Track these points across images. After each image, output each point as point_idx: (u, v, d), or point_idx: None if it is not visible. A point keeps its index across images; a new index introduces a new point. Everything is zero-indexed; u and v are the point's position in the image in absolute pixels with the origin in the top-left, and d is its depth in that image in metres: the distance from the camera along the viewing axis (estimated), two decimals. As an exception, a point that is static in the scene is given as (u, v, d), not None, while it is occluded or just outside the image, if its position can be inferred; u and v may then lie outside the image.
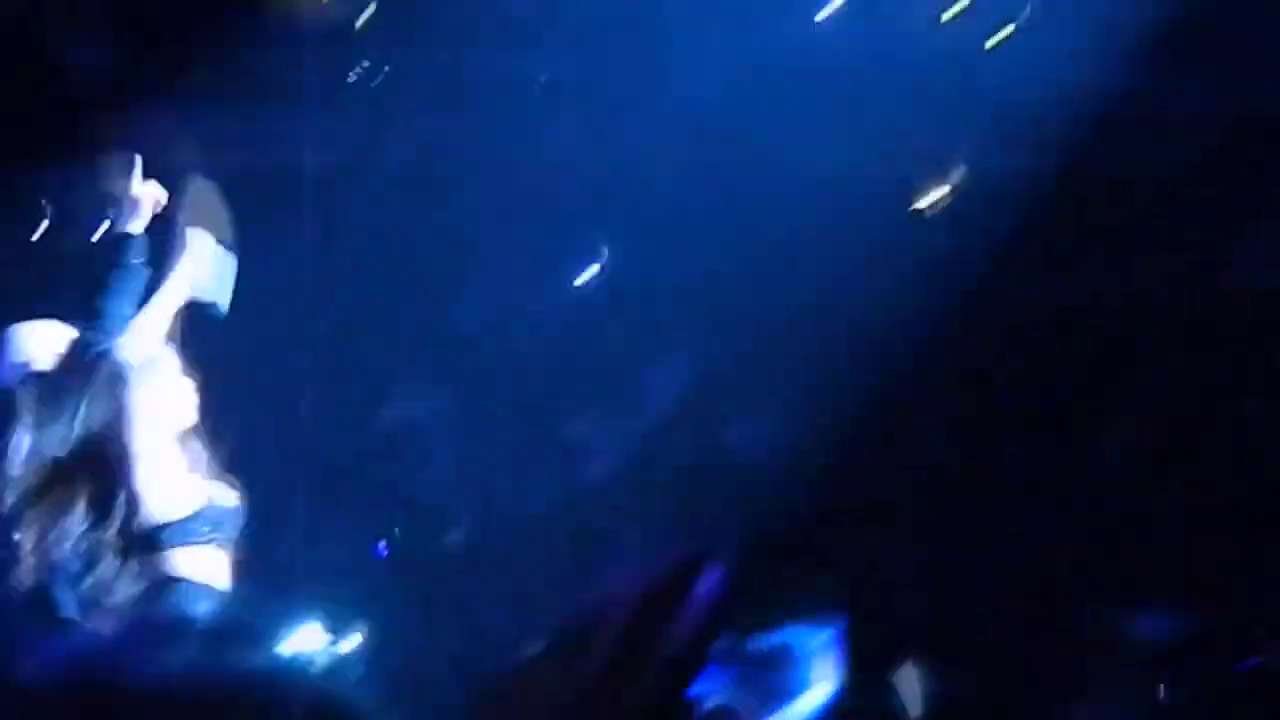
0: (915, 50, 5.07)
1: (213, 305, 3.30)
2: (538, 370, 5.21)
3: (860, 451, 4.99)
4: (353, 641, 4.74)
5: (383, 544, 5.12)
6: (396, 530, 5.24)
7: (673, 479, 5.07)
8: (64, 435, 2.82)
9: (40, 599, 2.75)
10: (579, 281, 5.20)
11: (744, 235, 5.01)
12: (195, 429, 3.07)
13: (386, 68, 5.12)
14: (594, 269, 5.22)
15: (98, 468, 2.86)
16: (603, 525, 5.09)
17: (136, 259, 3.16)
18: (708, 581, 0.73)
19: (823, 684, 2.71)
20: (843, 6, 5.05)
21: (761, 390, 5.06)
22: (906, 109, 5.04)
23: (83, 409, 2.87)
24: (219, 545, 2.92)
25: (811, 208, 4.98)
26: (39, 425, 2.82)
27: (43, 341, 2.93)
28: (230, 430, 3.24)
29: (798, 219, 4.97)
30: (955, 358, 5.08)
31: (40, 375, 2.88)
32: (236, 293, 3.37)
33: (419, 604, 4.96)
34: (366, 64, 5.09)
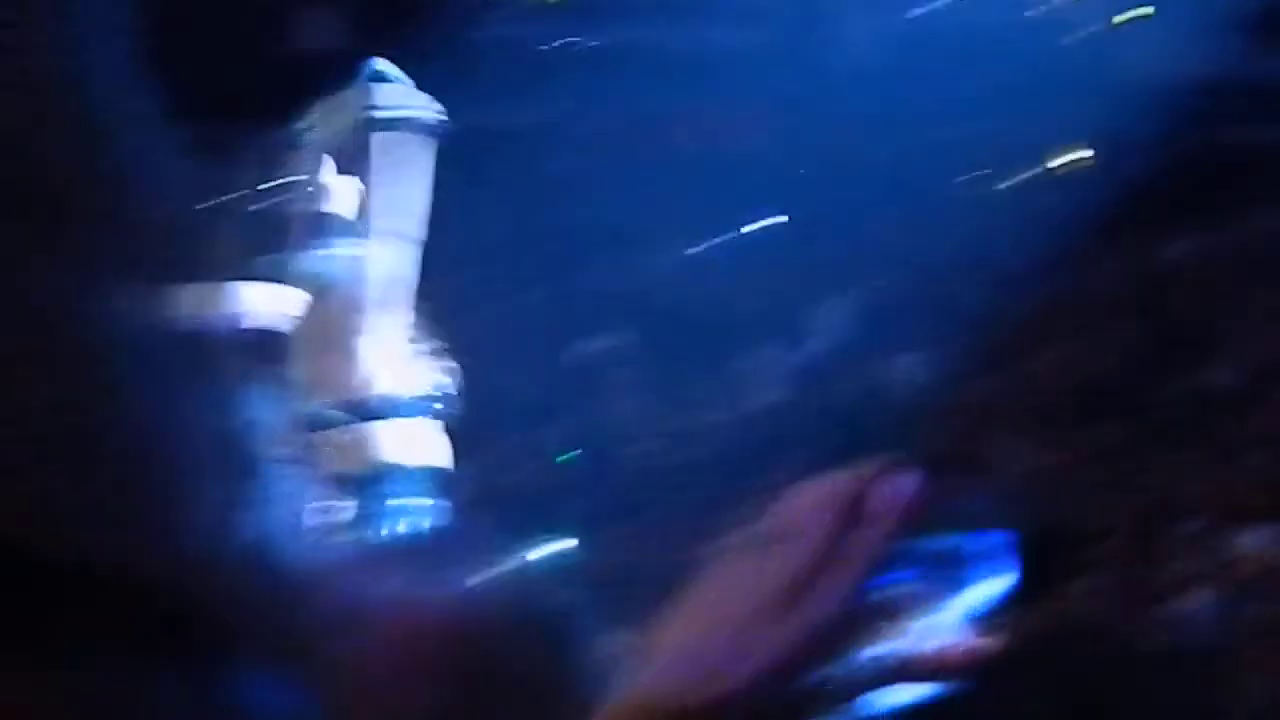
0: (1051, 28, 5.74)
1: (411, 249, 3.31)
2: (714, 308, 5.88)
3: (1001, 378, 5.66)
4: (561, 547, 5.35)
5: (574, 455, 5.76)
6: (582, 449, 5.90)
7: (836, 404, 5.74)
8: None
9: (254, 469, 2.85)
10: (747, 229, 5.86)
11: (900, 189, 5.68)
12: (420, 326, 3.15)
13: (585, 37, 5.76)
14: (766, 220, 5.90)
15: (325, 343, 2.85)
16: (772, 449, 5.75)
17: (342, 209, 3.13)
18: (902, 485, 0.73)
19: (996, 580, 3.30)
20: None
21: (917, 326, 5.73)
22: (1043, 80, 5.71)
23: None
24: (437, 421, 2.94)
25: (959, 165, 5.65)
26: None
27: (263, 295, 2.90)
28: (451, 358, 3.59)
29: (948, 174, 5.64)
30: (1084, 296, 5.76)
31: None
32: (452, 239, 3.69)
33: (617, 514, 5.61)
34: (569, 35, 5.72)
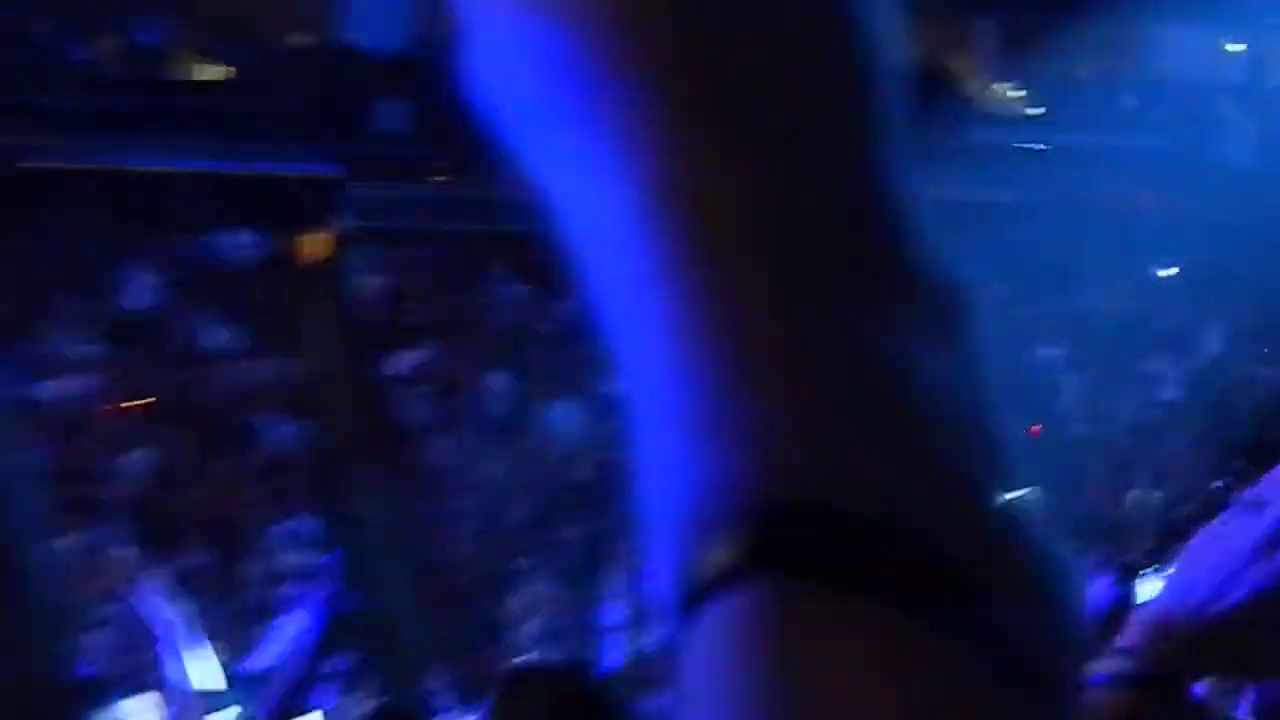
0: None
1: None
2: (1126, 327, 8.59)
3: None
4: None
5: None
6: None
7: (1218, 400, 8.31)
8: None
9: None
10: (1162, 274, 8.56)
11: (1270, 245, 8.17)
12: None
13: (1044, 139, 8.53)
14: (1171, 268, 8.57)
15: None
16: (1166, 434, 8.37)
17: None
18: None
19: None
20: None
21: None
22: None
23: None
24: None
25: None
26: None
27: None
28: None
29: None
30: None
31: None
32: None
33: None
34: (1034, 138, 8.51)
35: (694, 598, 0.27)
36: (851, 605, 0.27)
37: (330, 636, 4.93)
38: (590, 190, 0.27)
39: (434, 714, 5.14)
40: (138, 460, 7.78)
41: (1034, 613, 0.27)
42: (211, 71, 9.76)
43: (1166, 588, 0.88)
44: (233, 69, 9.58)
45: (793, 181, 0.27)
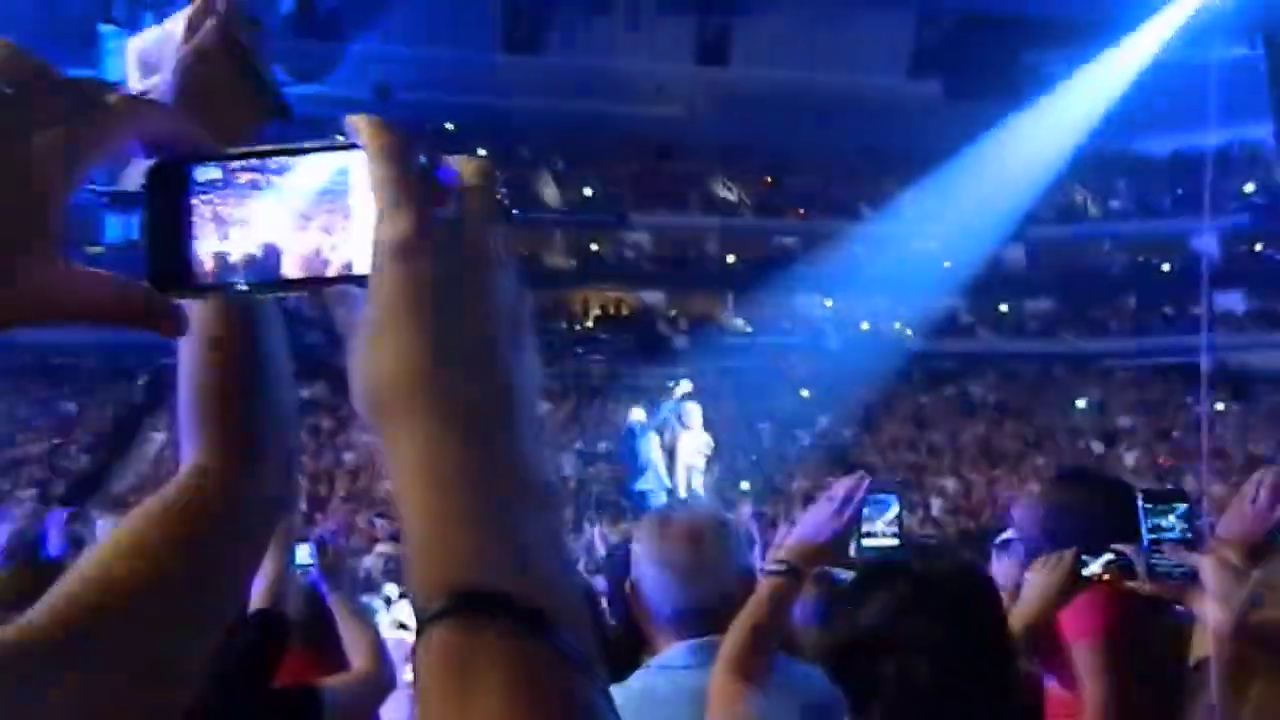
0: None
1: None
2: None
3: None
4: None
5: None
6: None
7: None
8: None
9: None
10: None
11: None
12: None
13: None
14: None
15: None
16: None
17: None
18: None
19: None
20: None
21: None
22: None
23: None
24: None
25: None
26: None
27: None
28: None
29: None
30: None
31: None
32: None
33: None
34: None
35: (420, 628, 0.52)
36: (492, 632, 0.51)
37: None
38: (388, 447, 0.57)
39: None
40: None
41: (579, 635, 0.53)
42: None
43: (796, 527, 1.98)
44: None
45: (469, 448, 0.55)
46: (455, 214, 0.60)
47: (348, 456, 18.34)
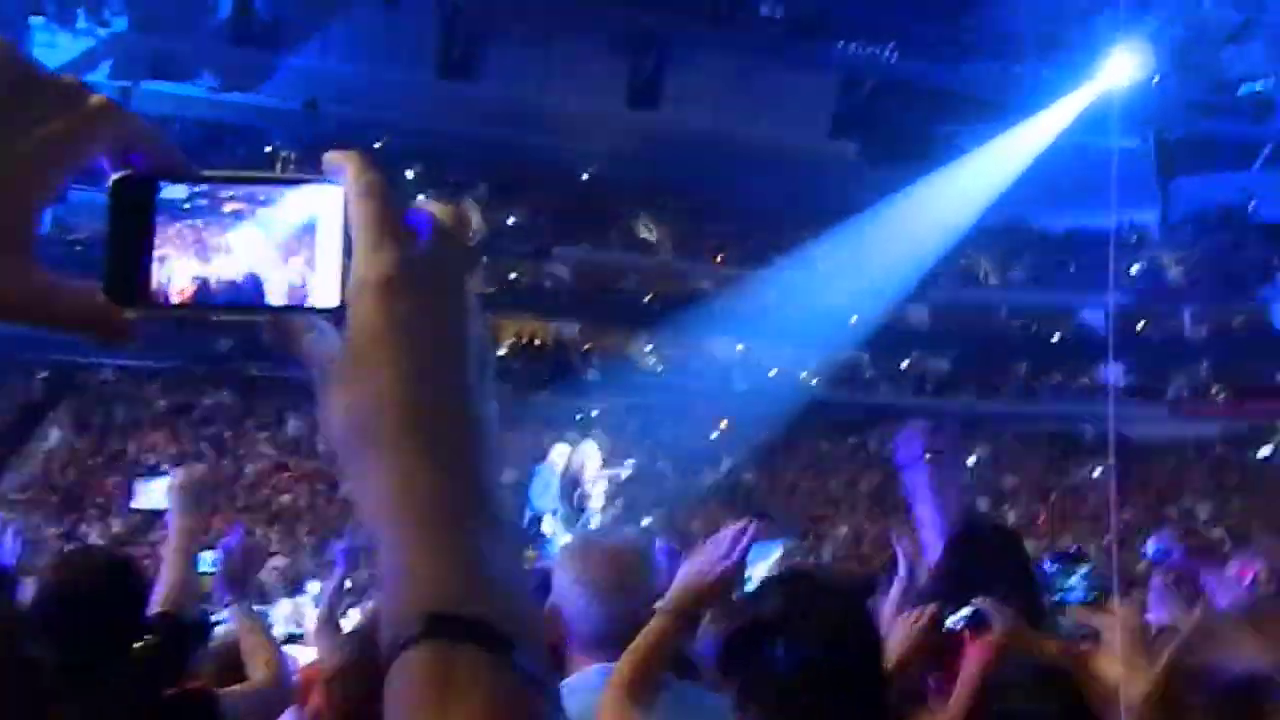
0: None
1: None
2: None
3: None
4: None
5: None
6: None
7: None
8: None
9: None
10: None
11: None
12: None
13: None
14: None
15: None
16: None
17: None
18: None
19: None
20: None
21: None
22: None
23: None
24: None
25: None
26: None
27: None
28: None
29: None
30: None
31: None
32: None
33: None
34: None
35: (393, 652, 0.54)
36: (468, 655, 0.53)
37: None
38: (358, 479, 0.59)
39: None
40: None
41: (538, 656, 0.56)
42: None
43: (681, 570, 2.02)
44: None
45: (442, 478, 0.57)
46: (433, 255, 0.61)
47: (249, 469, 18.18)
